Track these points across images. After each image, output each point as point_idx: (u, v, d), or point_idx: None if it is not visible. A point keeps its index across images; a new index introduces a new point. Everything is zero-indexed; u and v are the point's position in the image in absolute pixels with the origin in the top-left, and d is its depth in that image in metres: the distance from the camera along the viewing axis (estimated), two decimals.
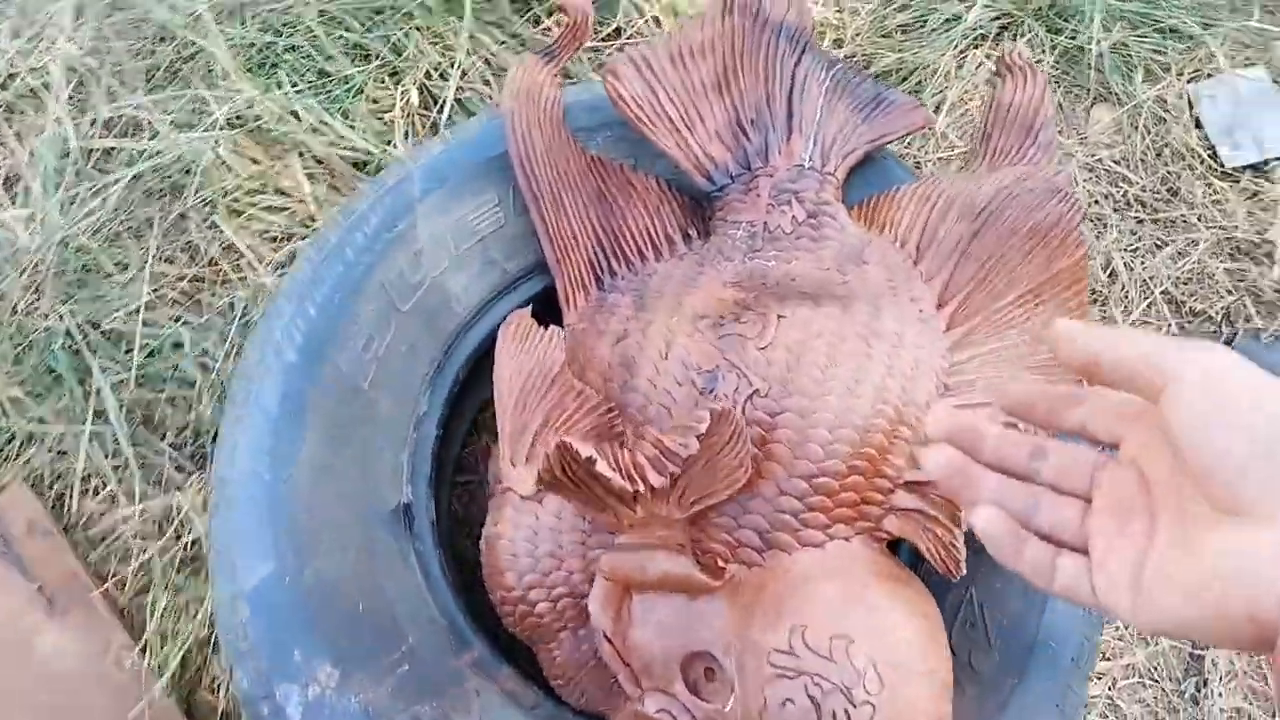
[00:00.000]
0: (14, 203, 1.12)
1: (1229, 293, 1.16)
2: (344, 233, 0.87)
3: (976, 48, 1.23)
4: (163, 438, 1.03)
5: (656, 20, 1.20)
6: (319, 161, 1.12)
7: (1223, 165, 1.21)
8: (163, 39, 1.20)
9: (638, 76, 0.90)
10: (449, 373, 0.88)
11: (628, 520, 0.73)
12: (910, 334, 0.78)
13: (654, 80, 0.90)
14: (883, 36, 1.24)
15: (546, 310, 0.88)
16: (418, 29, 1.17)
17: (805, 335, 0.76)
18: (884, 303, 0.79)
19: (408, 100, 1.14)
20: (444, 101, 1.15)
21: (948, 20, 1.23)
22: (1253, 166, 1.21)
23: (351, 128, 1.12)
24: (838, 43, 1.24)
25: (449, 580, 0.82)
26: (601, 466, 0.65)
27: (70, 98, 1.17)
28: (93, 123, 1.16)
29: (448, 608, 0.80)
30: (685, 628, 0.72)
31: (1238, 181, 1.21)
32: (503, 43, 1.18)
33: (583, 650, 0.77)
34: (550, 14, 1.22)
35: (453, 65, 1.16)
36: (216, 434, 0.83)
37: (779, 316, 0.78)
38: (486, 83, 1.16)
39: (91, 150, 1.15)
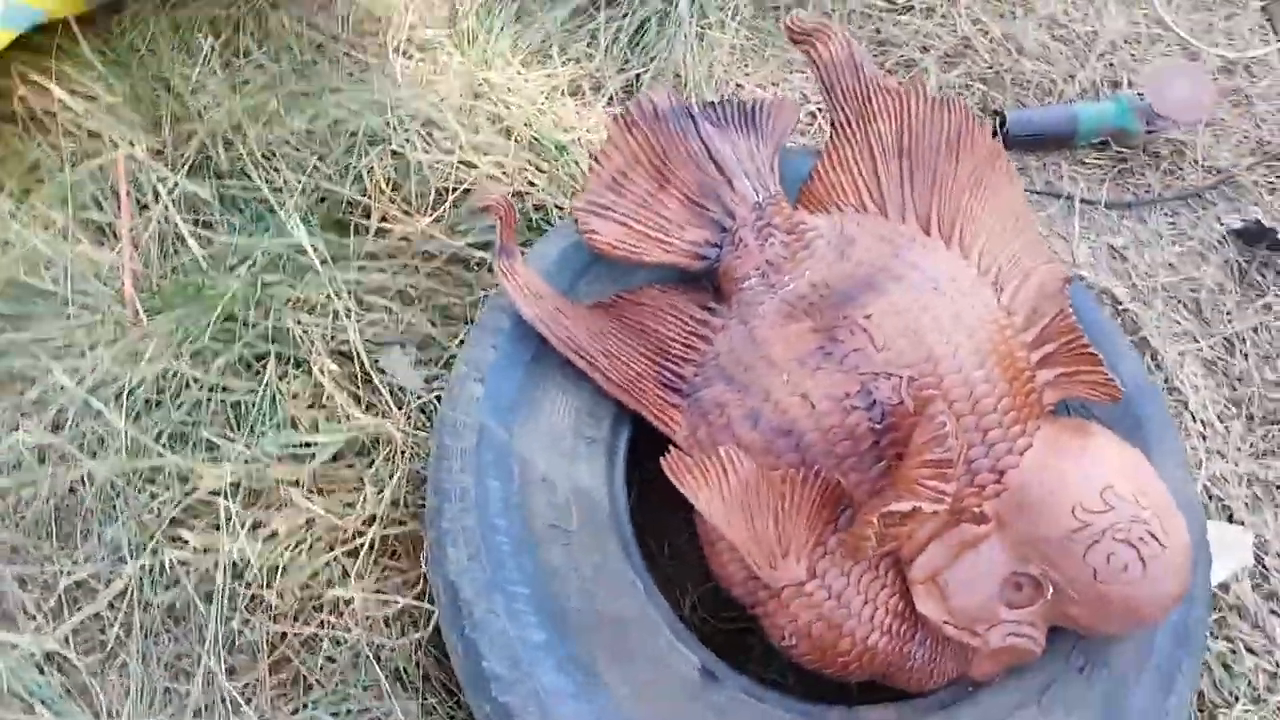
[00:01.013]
0: None
1: (967, 89, 1.45)
2: (480, 512, 0.89)
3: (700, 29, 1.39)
4: None
5: (467, 164, 1.24)
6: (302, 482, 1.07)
7: (896, 2, 1.48)
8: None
9: (602, 220, 0.97)
10: (633, 544, 0.94)
11: (905, 535, 0.86)
12: (943, 265, 0.96)
13: (614, 214, 0.98)
14: (627, 61, 1.36)
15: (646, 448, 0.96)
16: (286, 307, 1.13)
17: (900, 318, 0.91)
18: (911, 257, 0.95)
19: (329, 374, 1.11)
20: (355, 351, 1.13)
21: (658, 14, 1.38)
22: None
23: (316, 431, 1.07)
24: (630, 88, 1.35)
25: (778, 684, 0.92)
26: (926, 505, 0.77)
27: None
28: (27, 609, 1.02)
29: (797, 706, 0.90)
30: (983, 572, 0.87)
31: (912, 8, 1.49)
32: (361, 268, 1.17)
33: (928, 645, 0.89)
34: (366, 215, 1.21)
35: (337, 316, 1.13)
36: None
37: (866, 318, 0.91)
38: (384, 310, 1.16)
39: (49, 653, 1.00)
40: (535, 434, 0.94)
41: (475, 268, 1.21)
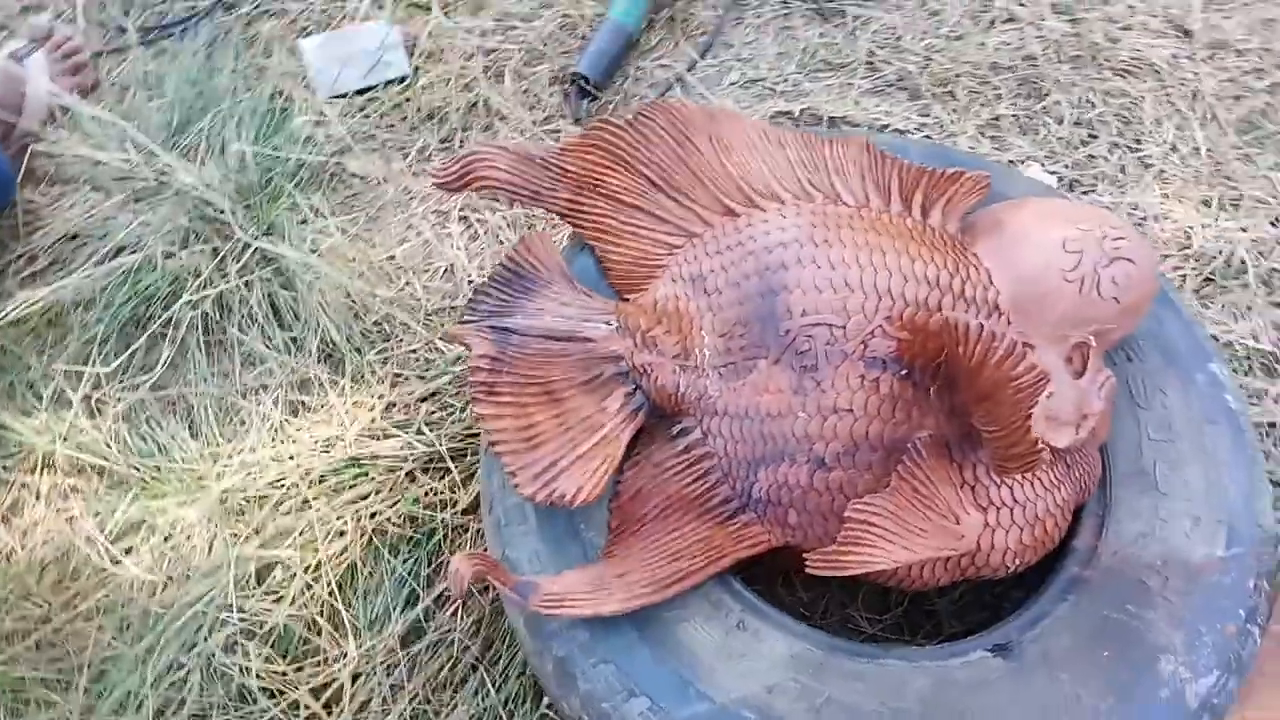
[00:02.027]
0: None
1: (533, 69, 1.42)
2: None
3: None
4: None
5: (312, 568, 1.04)
6: None
7: None
8: None
9: (564, 477, 0.87)
10: (858, 647, 0.90)
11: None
12: (783, 225, 0.95)
13: (558, 466, 0.88)
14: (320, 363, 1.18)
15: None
16: None
17: (825, 292, 0.90)
18: (758, 242, 0.94)
19: None
20: None
21: (284, 278, 1.20)
22: None
23: None
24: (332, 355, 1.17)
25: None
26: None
27: None
28: None
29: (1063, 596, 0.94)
30: (1057, 378, 0.92)
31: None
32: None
33: (1081, 458, 0.93)
34: (275, 694, 1.00)
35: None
36: None
37: (803, 316, 0.90)
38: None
39: None
40: (715, 673, 0.85)
41: (427, 621, 1.04)
